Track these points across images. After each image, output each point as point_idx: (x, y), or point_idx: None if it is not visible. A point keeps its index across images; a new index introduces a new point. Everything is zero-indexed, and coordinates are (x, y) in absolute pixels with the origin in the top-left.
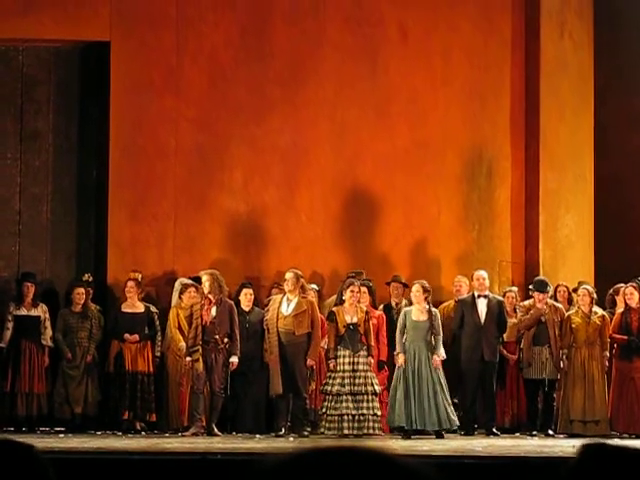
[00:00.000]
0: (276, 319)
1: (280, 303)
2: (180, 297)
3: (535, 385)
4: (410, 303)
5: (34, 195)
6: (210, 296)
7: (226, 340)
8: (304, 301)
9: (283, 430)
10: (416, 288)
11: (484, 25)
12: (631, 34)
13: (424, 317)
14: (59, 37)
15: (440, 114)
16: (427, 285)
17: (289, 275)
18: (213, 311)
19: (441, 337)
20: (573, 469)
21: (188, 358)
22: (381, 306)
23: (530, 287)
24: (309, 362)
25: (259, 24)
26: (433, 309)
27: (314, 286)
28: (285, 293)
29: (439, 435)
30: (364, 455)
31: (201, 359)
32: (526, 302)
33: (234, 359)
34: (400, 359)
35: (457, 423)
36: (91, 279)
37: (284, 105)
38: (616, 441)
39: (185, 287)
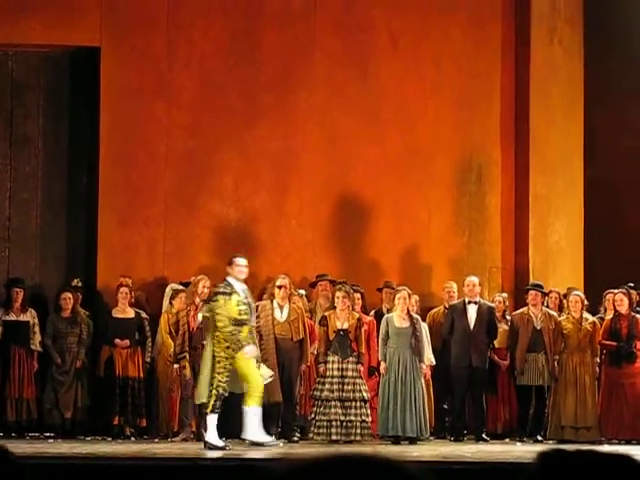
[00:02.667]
0: (272, 326)
1: (272, 309)
2: (171, 303)
3: (528, 391)
4: None
5: (24, 200)
6: (196, 302)
7: None
8: (295, 307)
9: (273, 436)
10: (403, 295)
11: (474, 32)
12: (621, 40)
13: (406, 323)
14: (49, 42)
15: (430, 120)
16: (410, 292)
17: (284, 281)
18: (199, 317)
19: (425, 343)
20: (532, 477)
21: (176, 365)
22: (372, 312)
23: (527, 288)
24: (304, 367)
25: (250, 30)
26: (414, 315)
27: (302, 291)
28: (273, 299)
29: (413, 442)
30: (370, 463)
31: (189, 365)
32: (518, 311)
33: None
34: (382, 367)
35: (428, 434)
36: (80, 284)
37: (274, 111)
38: (605, 447)
39: (176, 293)
